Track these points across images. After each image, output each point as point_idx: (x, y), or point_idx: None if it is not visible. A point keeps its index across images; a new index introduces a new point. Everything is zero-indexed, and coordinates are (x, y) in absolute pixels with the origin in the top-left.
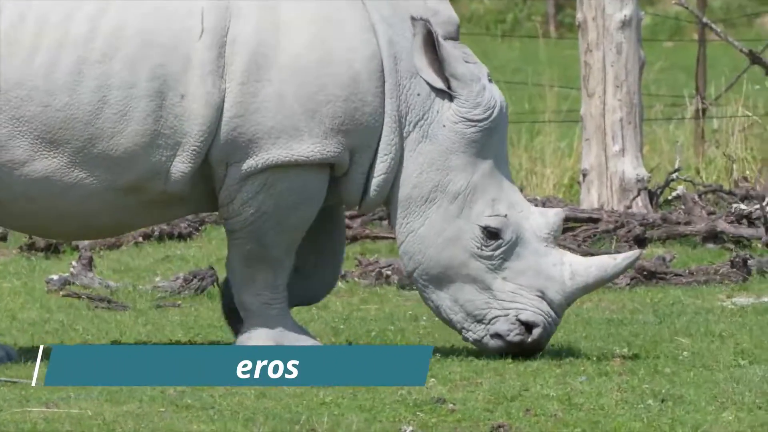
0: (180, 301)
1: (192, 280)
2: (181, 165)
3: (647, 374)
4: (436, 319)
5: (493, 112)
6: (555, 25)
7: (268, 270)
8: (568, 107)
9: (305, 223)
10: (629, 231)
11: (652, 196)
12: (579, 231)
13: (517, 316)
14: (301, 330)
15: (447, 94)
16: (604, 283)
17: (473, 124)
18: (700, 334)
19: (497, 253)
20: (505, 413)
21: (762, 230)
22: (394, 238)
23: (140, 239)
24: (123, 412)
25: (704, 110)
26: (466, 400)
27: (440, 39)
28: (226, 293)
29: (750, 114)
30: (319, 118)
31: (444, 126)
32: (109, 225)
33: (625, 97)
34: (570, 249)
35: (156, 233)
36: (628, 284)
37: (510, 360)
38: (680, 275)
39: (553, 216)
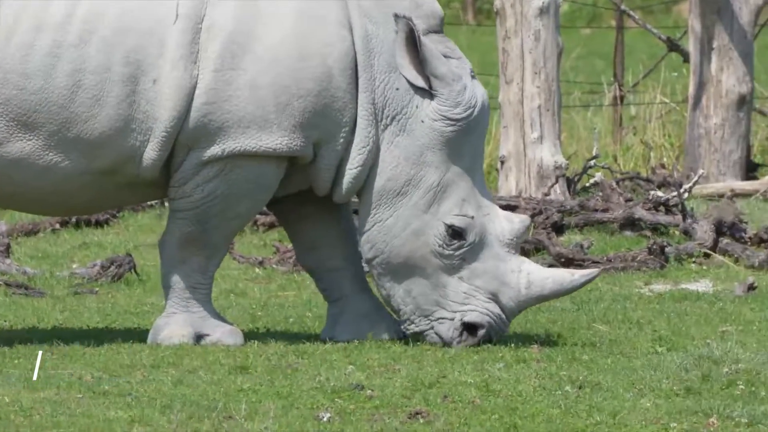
0: (97, 288)
1: (109, 266)
2: (152, 151)
3: (565, 361)
4: None
5: (473, 111)
6: (473, 12)
7: (202, 254)
8: (487, 94)
9: (250, 213)
10: (547, 218)
11: (569, 183)
12: None
13: (461, 319)
14: (220, 318)
15: (428, 93)
16: (559, 296)
17: (452, 122)
18: (617, 321)
19: (458, 253)
20: (423, 400)
21: (679, 217)
22: None
23: (57, 226)
24: (40, 399)
25: (622, 97)
26: (384, 387)
27: (422, 38)
28: None
29: (668, 101)
30: (290, 111)
31: (422, 122)
32: (88, 204)
33: (544, 84)
34: None
35: (73, 220)
36: None
37: (428, 347)
38: (598, 262)
39: (518, 222)
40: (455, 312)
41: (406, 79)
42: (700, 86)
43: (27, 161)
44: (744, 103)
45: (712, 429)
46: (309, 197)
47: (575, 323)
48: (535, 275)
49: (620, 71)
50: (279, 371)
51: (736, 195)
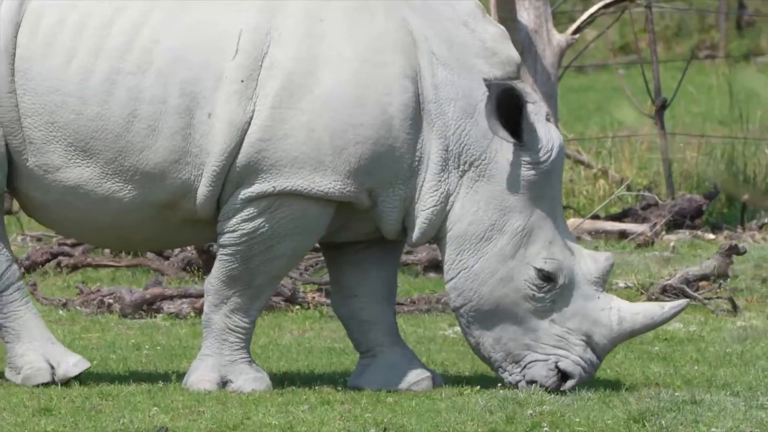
0: None
1: None
2: (204, 187)
3: (369, 403)
4: (158, 347)
5: (551, 154)
6: None
7: (245, 295)
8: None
9: (294, 254)
10: None
11: None
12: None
13: (556, 362)
14: (252, 363)
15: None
16: (649, 330)
17: (533, 166)
18: None
19: (548, 296)
20: None
21: None
22: (115, 266)
23: None
24: None
25: None
26: (188, 429)
27: (528, 103)
28: None
29: None
30: (345, 156)
31: (503, 167)
32: (150, 239)
33: None
34: (290, 276)
35: None
36: None
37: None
38: (402, 304)
39: (604, 260)
40: (549, 354)
41: (501, 138)
42: None
43: (85, 188)
44: None
45: None
46: (362, 245)
47: None
48: (625, 311)
49: None
50: (83, 413)
51: None
